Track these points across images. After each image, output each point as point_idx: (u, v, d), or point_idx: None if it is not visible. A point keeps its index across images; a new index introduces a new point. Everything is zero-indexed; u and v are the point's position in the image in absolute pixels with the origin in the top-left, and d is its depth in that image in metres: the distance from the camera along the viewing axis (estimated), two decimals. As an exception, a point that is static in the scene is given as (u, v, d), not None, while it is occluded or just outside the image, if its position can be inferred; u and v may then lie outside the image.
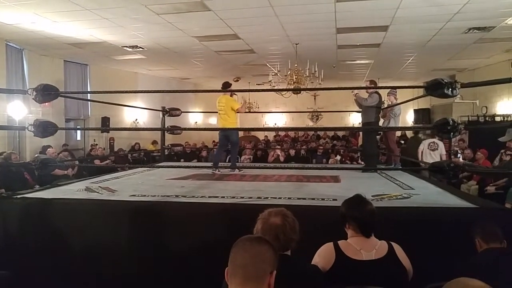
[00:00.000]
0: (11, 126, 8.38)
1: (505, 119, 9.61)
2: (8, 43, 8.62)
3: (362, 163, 8.16)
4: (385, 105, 6.40)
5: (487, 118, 10.36)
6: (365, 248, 1.96)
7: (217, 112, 6.07)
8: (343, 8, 6.32)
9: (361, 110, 6.11)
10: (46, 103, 7.81)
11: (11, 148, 8.55)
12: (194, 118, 15.89)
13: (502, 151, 7.05)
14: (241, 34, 8.04)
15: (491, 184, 6.17)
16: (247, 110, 9.14)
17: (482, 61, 10.84)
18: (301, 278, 1.75)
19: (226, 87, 5.92)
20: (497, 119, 10.12)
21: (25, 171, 6.67)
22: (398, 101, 6.21)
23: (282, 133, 15.64)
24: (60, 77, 10.25)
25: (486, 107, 10.87)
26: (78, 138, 11.72)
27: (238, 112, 5.93)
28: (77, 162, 9.12)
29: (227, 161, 8.30)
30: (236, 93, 6.44)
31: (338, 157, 10.43)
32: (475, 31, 7.63)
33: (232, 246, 1.34)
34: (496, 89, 10.24)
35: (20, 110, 8.49)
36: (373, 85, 6.12)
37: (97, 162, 8.79)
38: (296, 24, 7.28)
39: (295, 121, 17.39)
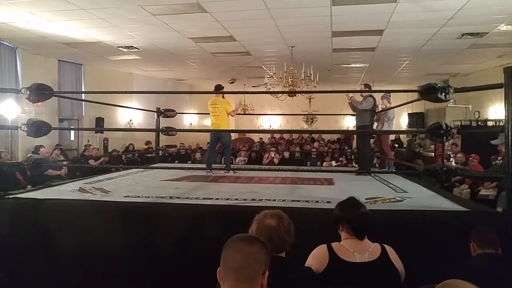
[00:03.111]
0: (3, 126, 8.31)
1: (497, 123, 9.70)
2: (1, 42, 8.56)
3: (356, 165, 8.20)
4: (379, 109, 6.44)
5: (479, 123, 10.47)
6: (359, 250, 1.97)
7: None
8: (339, 11, 6.35)
9: (355, 113, 6.15)
10: (40, 103, 7.76)
11: (3, 147, 8.49)
12: (189, 119, 15.86)
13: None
14: (237, 36, 8.05)
15: (484, 188, 6.23)
16: (241, 112, 9.25)
17: (475, 66, 10.95)
18: (295, 280, 1.76)
19: (219, 89, 6.02)
20: (489, 123, 10.23)
21: (17, 171, 6.62)
22: (392, 105, 6.25)
23: (277, 136, 15.66)
24: (54, 77, 10.19)
25: (479, 111, 10.98)
26: (72, 138, 11.65)
27: (232, 116, 6.01)
28: (70, 163, 9.06)
29: (222, 162, 8.31)
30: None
31: (334, 163, 10.45)
32: (468, 36, 7.70)
33: (223, 246, 1.34)
34: (488, 94, 10.34)
35: (12, 109, 8.42)
36: (367, 89, 6.16)
37: (91, 162, 8.75)
38: (292, 27, 7.31)
39: (290, 124, 17.43)
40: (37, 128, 3.58)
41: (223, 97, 6.12)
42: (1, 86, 8.31)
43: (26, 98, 3.58)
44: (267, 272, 1.30)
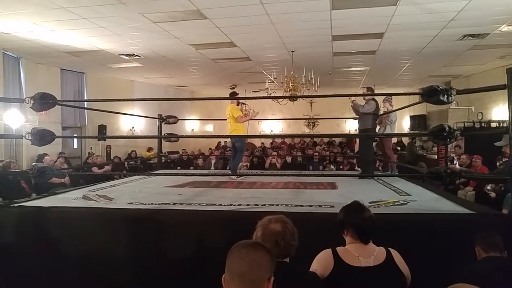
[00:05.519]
0: (8, 135, 8.36)
1: (501, 125, 9.66)
2: (5, 52, 8.62)
3: (359, 169, 8.18)
4: (381, 112, 6.44)
5: (482, 124, 10.42)
6: (363, 255, 1.96)
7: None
8: (339, 15, 6.37)
9: (358, 116, 6.15)
10: (43, 112, 7.81)
11: (8, 156, 8.52)
12: (191, 125, 15.90)
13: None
14: (237, 42, 8.08)
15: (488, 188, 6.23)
16: (252, 118, 9.35)
17: (477, 67, 10.94)
18: (299, 285, 1.75)
19: (232, 95, 6.24)
20: (493, 125, 10.18)
21: (22, 180, 6.64)
22: (394, 108, 6.25)
23: (278, 140, 15.66)
24: (57, 85, 10.24)
25: (482, 113, 10.94)
26: (75, 146, 11.69)
27: (237, 121, 6.05)
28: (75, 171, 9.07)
29: (227, 168, 8.32)
30: (244, 103, 6.69)
31: (332, 166, 10.51)
32: (469, 38, 7.70)
33: (228, 252, 1.34)
34: (491, 95, 10.31)
35: (17, 119, 8.47)
36: (370, 92, 6.17)
37: (95, 169, 8.76)
38: (292, 31, 7.33)
39: (292, 128, 17.43)
40: (41, 136, 3.61)
41: (237, 104, 6.27)
42: (5, 96, 8.38)
43: (30, 107, 3.61)
44: (272, 277, 1.30)
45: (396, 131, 7.52)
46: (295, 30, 7.26)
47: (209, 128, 16.84)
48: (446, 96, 3.07)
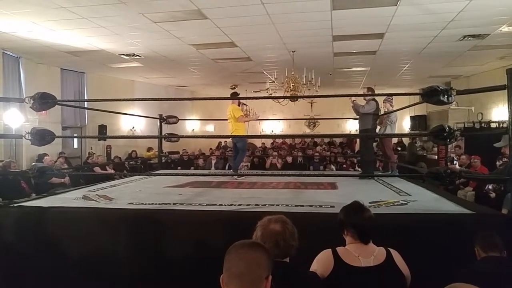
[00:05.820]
0: (8, 135, 8.36)
1: (501, 125, 9.66)
2: (4, 52, 8.62)
3: (359, 169, 8.19)
4: (382, 112, 6.44)
5: (482, 125, 10.41)
6: (363, 255, 1.96)
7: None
8: (339, 16, 6.37)
9: (358, 117, 6.15)
10: (43, 111, 7.81)
11: (7, 156, 8.51)
12: (191, 125, 15.91)
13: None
14: (238, 42, 8.08)
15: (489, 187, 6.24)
16: (253, 119, 9.40)
17: (477, 68, 10.94)
18: (300, 285, 1.75)
19: (233, 96, 6.30)
20: (493, 125, 10.17)
21: (22, 180, 6.65)
22: (394, 108, 6.25)
23: (279, 140, 15.67)
24: (56, 85, 10.24)
25: (482, 113, 10.93)
26: (75, 146, 11.69)
27: (238, 121, 6.10)
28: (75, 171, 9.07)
29: (226, 168, 8.33)
30: (244, 103, 6.80)
31: (333, 167, 10.53)
32: (469, 38, 7.70)
33: (225, 253, 1.34)
34: (491, 96, 10.30)
35: (16, 118, 8.47)
36: (370, 92, 6.17)
37: (97, 169, 8.77)
38: (292, 32, 7.33)
39: (292, 128, 17.43)
40: (41, 136, 3.61)
41: (238, 104, 6.32)
42: (5, 96, 8.37)
43: (30, 107, 3.61)
44: (270, 276, 1.31)
45: (396, 131, 7.53)
46: (296, 30, 7.25)
47: (210, 128, 16.85)
48: (446, 96, 3.07)
